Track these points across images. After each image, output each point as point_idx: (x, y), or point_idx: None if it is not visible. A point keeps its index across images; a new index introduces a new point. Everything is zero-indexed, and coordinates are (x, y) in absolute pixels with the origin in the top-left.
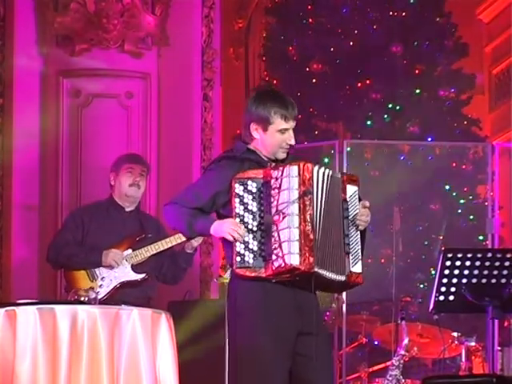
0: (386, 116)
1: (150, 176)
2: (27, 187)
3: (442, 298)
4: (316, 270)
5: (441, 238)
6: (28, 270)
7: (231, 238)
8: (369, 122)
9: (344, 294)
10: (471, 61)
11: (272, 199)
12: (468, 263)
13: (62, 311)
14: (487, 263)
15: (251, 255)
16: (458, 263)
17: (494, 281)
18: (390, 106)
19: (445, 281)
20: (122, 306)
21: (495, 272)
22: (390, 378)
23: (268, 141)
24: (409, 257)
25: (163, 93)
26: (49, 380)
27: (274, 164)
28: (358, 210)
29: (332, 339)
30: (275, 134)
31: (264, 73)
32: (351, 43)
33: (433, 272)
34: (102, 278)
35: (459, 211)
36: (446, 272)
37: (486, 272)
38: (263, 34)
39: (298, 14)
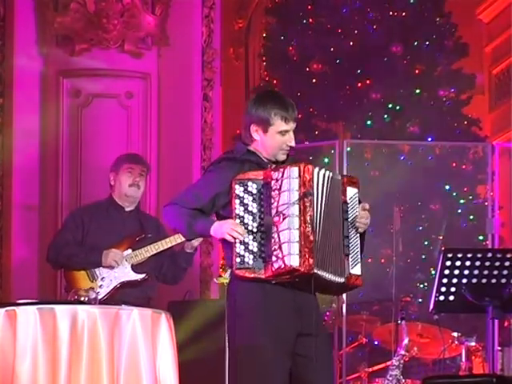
0: (385, 116)
1: (150, 176)
2: (27, 187)
3: (442, 297)
4: (316, 271)
5: (441, 238)
6: (28, 270)
7: (231, 238)
8: (369, 122)
9: (344, 294)
10: (471, 61)
11: (272, 200)
12: (468, 263)
13: (61, 311)
14: (487, 263)
15: (251, 256)
16: (458, 263)
17: (494, 281)
18: (390, 106)
19: (445, 281)
20: (122, 306)
21: (495, 272)
22: (390, 378)
23: (268, 142)
24: (409, 257)
25: (163, 93)
26: (49, 380)
27: (274, 165)
28: (357, 213)
29: (332, 339)
30: (275, 136)
31: (264, 73)
32: (351, 43)
33: (433, 272)
34: (102, 278)
35: (459, 211)
36: (446, 272)
37: (486, 272)
38: (263, 33)
39: (298, 14)
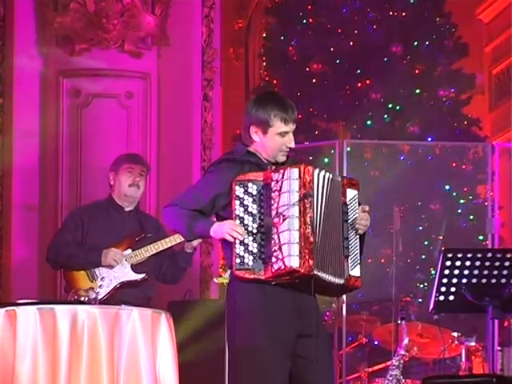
0: (385, 116)
1: (150, 176)
2: (27, 187)
3: (442, 297)
4: (315, 272)
5: (441, 238)
6: (28, 270)
7: (231, 239)
8: (369, 122)
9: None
10: (471, 61)
11: (272, 201)
12: (468, 263)
13: (61, 311)
14: (487, 263)
15: (251, 257)
16: (458, 263)
17: (494, 281)
18: (390, 106)
19: (445, 281)
20: (122, 305)
21: (495, 272)
22: (390, 378)
23: (268, 143)
24: (409, 257)
25: (163, 93)
26: (49, 380)
27: (274, 166)
28: (357, 214)
29: (332, 339)
30: (275, 137)
31: (264, 73)
32: (351, 43)
33: (433, 272)
34: (102, 278)
35: (459, 211)
36: (446, 272)
37: (486, 272)
38: (263, 34)
39: (297, 14)
